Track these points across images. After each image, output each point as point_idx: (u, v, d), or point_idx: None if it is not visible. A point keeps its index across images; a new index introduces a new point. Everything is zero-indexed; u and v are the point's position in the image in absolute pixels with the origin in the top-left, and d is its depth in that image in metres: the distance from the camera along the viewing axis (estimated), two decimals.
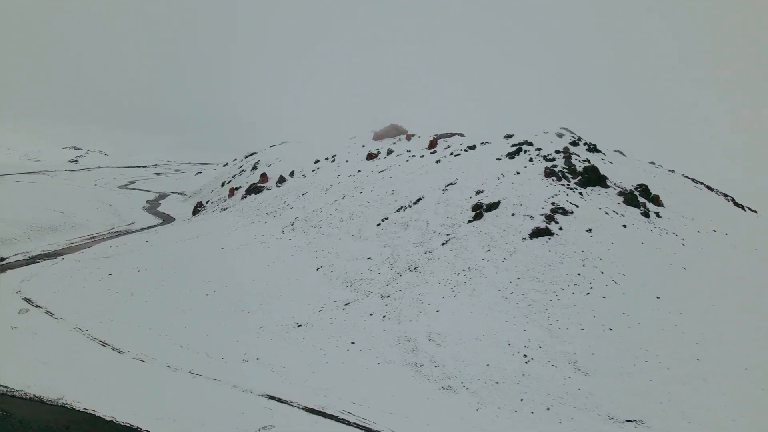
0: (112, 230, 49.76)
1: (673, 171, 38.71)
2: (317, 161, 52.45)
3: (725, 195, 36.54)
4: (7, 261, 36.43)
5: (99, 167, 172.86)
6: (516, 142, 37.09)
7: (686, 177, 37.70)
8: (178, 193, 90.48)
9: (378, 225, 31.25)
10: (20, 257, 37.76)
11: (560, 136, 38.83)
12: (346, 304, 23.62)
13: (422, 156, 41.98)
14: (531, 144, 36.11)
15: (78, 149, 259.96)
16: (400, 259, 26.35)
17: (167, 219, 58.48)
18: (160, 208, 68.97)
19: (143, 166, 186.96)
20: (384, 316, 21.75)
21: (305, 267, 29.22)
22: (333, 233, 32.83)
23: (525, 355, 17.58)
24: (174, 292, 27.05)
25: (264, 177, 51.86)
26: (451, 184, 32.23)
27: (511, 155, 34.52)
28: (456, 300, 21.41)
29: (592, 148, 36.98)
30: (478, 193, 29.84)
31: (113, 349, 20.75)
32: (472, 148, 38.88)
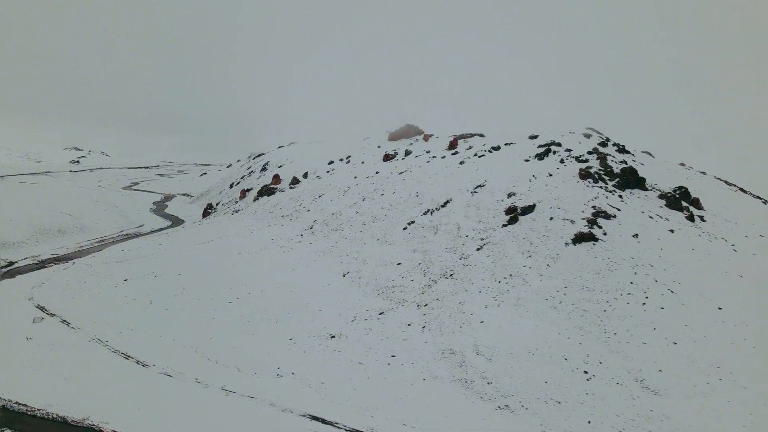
0: (121, 233, 48.46)
1: (704, 173, 37.50)
2: (331, 162, 51.19)
3: (758, 197, 35.33)
4: (16, 265, 35.13)
5: (101, 168, 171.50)
6: (543, 143, 35.90)
7: (719, 179, 36.49)
8: (184, 195, 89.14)
9: (404, 229, 30.02)
10: (29, 261, 36.45)
11: (587, 136, 37.60)
12: (381, 314, 22.37)
13: (443, 157, 40.75)
14: (559, 145, 34.91)
15: (79, 150, 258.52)
16: (432, 266, 25.11)
17: (176, 221, 57.19)
18: (167, 210, 67.64)
19: (145, 167, 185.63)
20: (423, 327, 20.51)
21: (330, 273, 27.98)
22: (356, 237, 31.59)
23: (585, 372, 16.33)
24: (195, 299, 25.79)
25: (276, 178, 50.60)
26: (480, 186, 30.99)
27: (540, 156, 33.30)
28: (500, 310, 20.16)
29: (621, 149, 35.76)
30: (510, 195, 28.61)
31: (137, 363, 19.48)
32: (497, 149, 37.65)
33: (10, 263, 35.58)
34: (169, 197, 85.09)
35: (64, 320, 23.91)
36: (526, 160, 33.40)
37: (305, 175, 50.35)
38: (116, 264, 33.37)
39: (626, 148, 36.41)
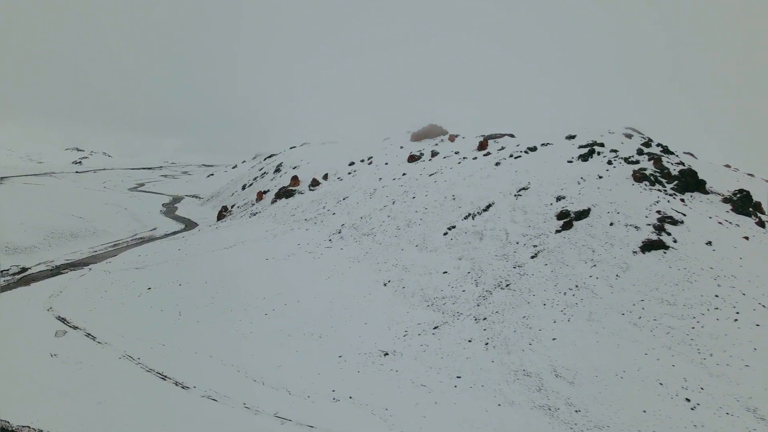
0: (135, 237, 46.70)
1: (752, 175, 35.76)
2: (352, 163, 49.43)
3: None
4: (30, 272, 33.38)
5: (104, 169, 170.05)
6: (584, 143, 34.18)
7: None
8: (192, 196, 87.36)
9: (445, 234, 28.27)
10: (43, 267, 34.71)
11: (629, 136, 35.88)
12: (435, 328, 20.61)
13: (475, 158, 38.99)
14: (602, 145, 33.17)
15: (80, 150, 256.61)
16: (484, 275, 23.35)
17: (190, 224, 55.44)
18: (178, 212, 65.88)
19: (149, 168, 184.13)
20: (486, 344, 18.74)
21: (369, 282, 26.23)
22: (392, 243, 29.83)
23: (687, 399, 14.56)
24: (227, 310, 24.03)
25: (295, 180, 48.84)
26: (524, 189, 29.23)
27: (584, 157, 31.54)
28: (572, 325, 18.39)
29: (665, 150, 33.98)
30: (559, 199, 26.85)
31: (176, 384, 17.72)
32: (533, 149, 35.90)
33: (23, 269, 33.86)
34: (177, 199, 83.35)
35: (89, 334, 22.14)
36: (569, 161, 31.64)
37: (325, 177, 48.59)
38: (136, 271, 31.61)
39: (669, 148, 34.64)
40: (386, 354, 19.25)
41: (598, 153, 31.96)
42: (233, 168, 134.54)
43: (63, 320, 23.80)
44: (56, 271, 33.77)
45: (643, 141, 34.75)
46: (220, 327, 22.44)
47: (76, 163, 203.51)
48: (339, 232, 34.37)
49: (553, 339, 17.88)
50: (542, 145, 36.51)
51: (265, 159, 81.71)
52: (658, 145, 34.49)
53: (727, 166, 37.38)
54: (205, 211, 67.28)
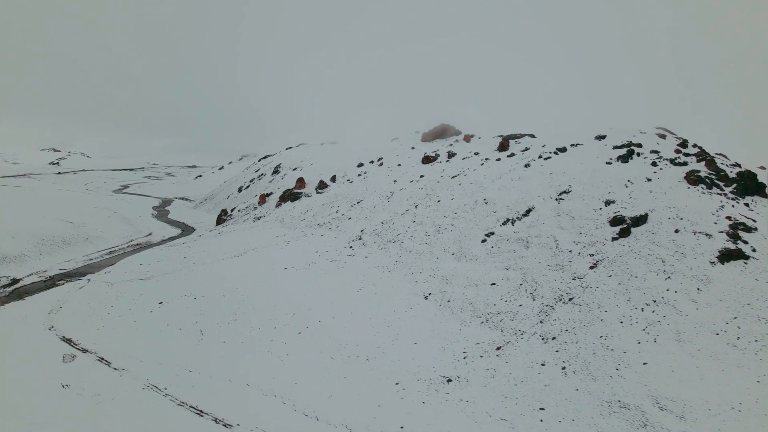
0: (131, 243, 43.75)
1: None
2: (361, 165, 47.11)
3: None
4: (21, 283, 30.44)
5: (84, 170, 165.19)
6: (618, 144, 32.50)
7: None
8: (183, 199, 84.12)
9: (483, 241, 26.20)
10: (36, 278, 31.76)
11: (662, 136, 34.30)
12: (498, 349, 18.47)
13: (498, 159, 37.02)
14: (639, 146, 31.50)
15: (57, 151, 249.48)
16: (540, 287, 21.30)
17: (186, 229, 52.54)
18: (171, 216, 62.79)
19: (131, 169, 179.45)
20: (564, 368, 16.66)
21: (407, 294, 24.03)
22: (423, 250, 27.66)
23: None
24: (254, 328, 21.61)
25: (301, 182, 46.36)
26: (565, 192, 27.31)
27: (624, 158, 29.77)
28: (660, 347, 16.40)
29: (702, 151, 32.43)
30: (608, 203, 24.98)
31: (216, 421, 15.29)
32: (563, 150, 34.06)
33: (14, 281, 30.90)
34: (167, 201, 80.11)
35: (102, 358, 19.55)
36: (608, 163, 29.83)
37: (333, 179, 46.21)
38: (142, 282, 28.94)
39: (705, 150, 33.11)
40: (449, 380, 17.06)
41: (638, 154, 30.25)
42: (220, 169, 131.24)
43: (69, 341, 21.14)
44: (51, 282, 30.86)
45: (679, 142, 33.18)
46: (251, 348, 20.01)
47: (53, 164, 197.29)
48: (359, 239, 32.10)
49: (644, 363, 15.87)
50: (572, 145, 34.70)
51: (259, 160, 78.85)
52: (694, 145, 32.93)
53: (762, 167, 35.95)
54: (199, 214, 64.27)
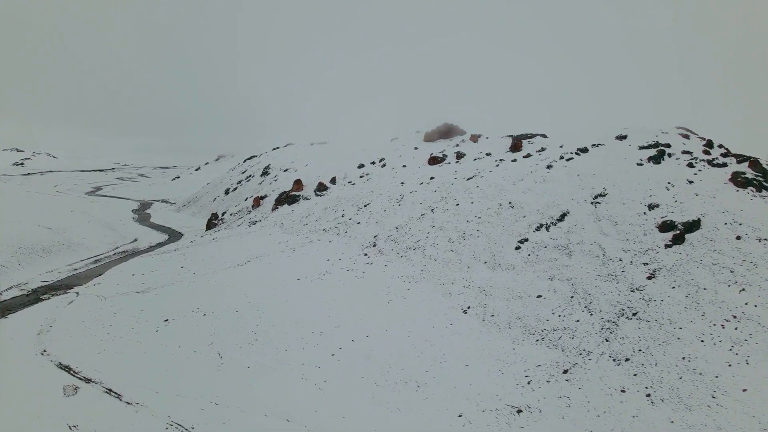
0: (116, 250, 40.62)
1: None
2: (361, 165, 44.84)
3: None
4: (2, 298, 27.31)
5: (51, 171, 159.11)
6: (644, 144, 31.08)
7: None
8: (162, 201, 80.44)
9: (517, 249, 24.34)
10: (16, 292, 28.66)
11: (685, 136, 33.02)
12: (565, 372, 16.56)
13: (513, 160, 35.27)
14: (668, 146, 30.13)
15: (20, 151, 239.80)
16: (595, 300, 19.49)
17: (173, 234, 49.45)
18: (153, 220, 59.42)
19: (101, 170, 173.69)
20: (649, 395, 14.83)
21: (442, 307, 21.99)
22: (450, 258, 25.67)
23: None
24: (280, 350, 19.27)
25: (298, 184, 43.85)
26: (601, 195, 25.66)
27: (655, 159, 28.31)
28: (754, 370, 14.72)
29: (728, 152, 31.26)
30: (651, 207, 23.39)
31: None
32: (584, 150, 32.48)
33: None
34: (146, 204, 76.42)
35: (109, 389, 16.98)
36: (639, 164, 28.32)
37: (333, 181, 43.86)
38: (139, 296, 26.25)
39: (730, 150, 31.95)
40: (519, 411, 15.07)
41: (669, 155, 28.82)
42: (197, 170, 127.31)
43: (68, 369, 18.45)
44: (34, 296, 27.83)
45: (704, 142, 31.94)
46: (281, 374, 17.69)
47: (17, 164, 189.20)
48: (374, 245, 29.95)
49: (744, 390, 14.13)
50: (593, 146, 33.15)
51: (244, 161, 75.72)
52: (720, 146, 31.74)
53: None
54: (184, 218, 61.03)
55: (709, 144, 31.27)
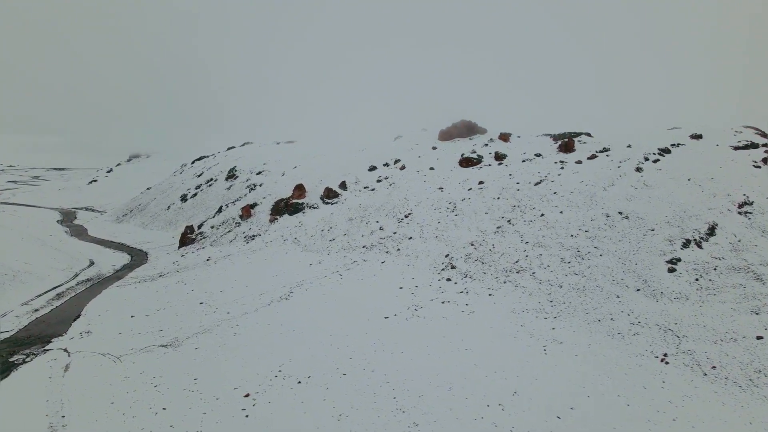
0: (77, 278, 31.37)
1: None
2: (373, 168, 38.51)
3: None
4: None
5: None
6: (736, 145, 27.91)
7: None
8: (88, 210, 68.49)
9: (671, 271, 19.82)
10: None
11: (763, 135, 30.40)
12: None
13: (578, 162, 30.82)
14: (765, 146, 27.12)
15: None
16: None
17: (133, 252, 40.14)
18: (93, 233, 48.99)
19: None
20: None
21: (624, 357, 16.84)
22: (578, 284, 20.65)
23: None
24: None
25: (300, 190, 36.69)
26: (746, 203, 21.80)
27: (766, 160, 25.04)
28: None
29: None
30: None
31: None
32: (666, 151, 28.76)
33: None
34: (69, 214, 64.57)
35: None
36: (756, 166, 24.90)
37: (343, 186, 37.28)
38: (170, 352, 18.90)
39: None
40: None
41: None
42: (109, 172, 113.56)
43: None
44: (3, 360, 19.20)
45: None
46: None
47: None
48: (452, 267, 24.33)
49: None
50: (672, 145, 29.54)
51: (193, 162, 65.97)
52: None
53: None
54: (132, 230, 51.02)
55: None
